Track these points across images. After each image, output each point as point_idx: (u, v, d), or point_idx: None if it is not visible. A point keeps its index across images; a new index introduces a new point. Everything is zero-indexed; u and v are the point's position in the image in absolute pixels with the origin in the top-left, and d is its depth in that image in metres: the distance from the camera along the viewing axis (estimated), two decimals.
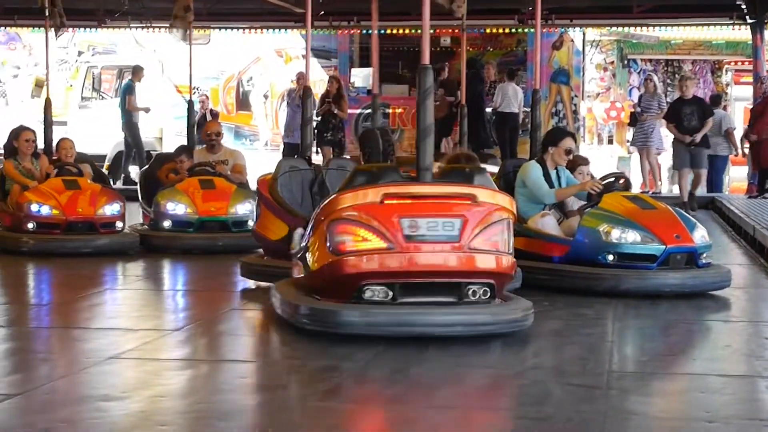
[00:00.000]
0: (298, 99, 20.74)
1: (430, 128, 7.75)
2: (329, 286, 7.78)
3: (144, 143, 22.31)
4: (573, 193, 10.50)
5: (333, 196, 7.98)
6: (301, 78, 21.35)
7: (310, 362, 7.15)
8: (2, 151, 15.39)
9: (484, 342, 7.49)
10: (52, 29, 15.03)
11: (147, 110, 22.01)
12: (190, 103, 16.21)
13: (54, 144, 14.09)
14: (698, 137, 17.61)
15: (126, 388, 6.53)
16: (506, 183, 10.52)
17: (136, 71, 22.28)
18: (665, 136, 20.58)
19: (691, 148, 17.59)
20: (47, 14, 14.87)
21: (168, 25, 17.23)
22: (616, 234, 9.46)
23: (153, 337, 7.98)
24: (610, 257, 9.49)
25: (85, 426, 5.69)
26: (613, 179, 10.40)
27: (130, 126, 21.66)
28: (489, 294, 7.69)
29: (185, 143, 15.31)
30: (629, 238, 9.48)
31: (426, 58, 7.86)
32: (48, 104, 14.57)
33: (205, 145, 14.51)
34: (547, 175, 10.18)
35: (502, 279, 7.83)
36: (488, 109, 22.35)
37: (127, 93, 21.81)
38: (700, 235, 9.60)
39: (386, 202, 7.51)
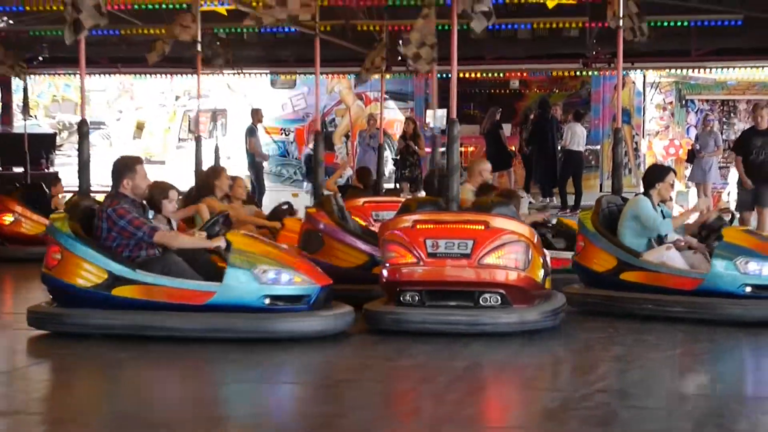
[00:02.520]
0: (368, 139, 21.32)
1: (456, 167, 9.48)
2: (384, 291, 9.38)
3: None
4: (684, 220, 10.50)
5: (383, 222, 9.94)
6: (372, 120, 21.86)
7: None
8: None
9: (552, 365, 8.41)
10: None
11: (266, 158, 22.07)
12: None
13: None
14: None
15: None
16: (604, 219, 10.44)
17: (255, 114, 22.13)
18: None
19: (755, 186, 14.87)
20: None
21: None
22: (753, 266, 9.32)
23: None
24: (748, 288, 9.31)
25: None
26: (718, 215, 10.28)
27: (253, 165, 21.55)
28: (502, 301, 8.82)
29: None
30: (765, 270, 9.34)
31: (453, 113, 9.72)
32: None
33: None
34: (654, 208, 10.18)
35: (515, 290, 8.83)
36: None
37: (248, 135, 21.72)
38: None
39: (417, 227, 9.04)
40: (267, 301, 8.51)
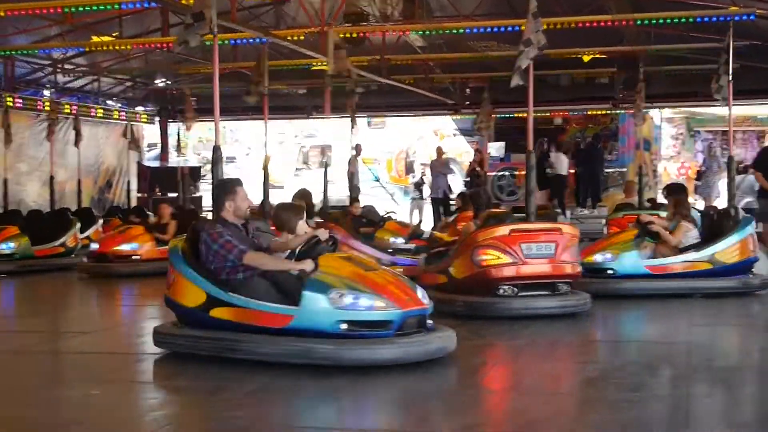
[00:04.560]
0: (439, 167, 21.67)
1: (533, 190, 10.07)
2: (472, 287, 9.47)
3: (339, 202, 22.57)
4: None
5: (472, 233, 9.90)
6: (440, 151, 22.27)
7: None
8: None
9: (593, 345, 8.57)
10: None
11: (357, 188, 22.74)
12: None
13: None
14: None
15: None
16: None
17: (357, 148, 22.23)
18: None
19: None
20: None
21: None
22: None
23: None
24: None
25: None
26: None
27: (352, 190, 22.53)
28: (568, 289, 9.55)
29: None
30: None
31: (530, 145, 10.32)
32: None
33: None
34: None
35: (575, 279, 9.67)
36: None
37: (349, 165, 22.00)
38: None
39: (512, 234, 9.41)
40: (343, 326, 6.94)
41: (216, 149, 8.97)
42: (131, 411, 6.04)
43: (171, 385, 6.88)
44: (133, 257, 14.70)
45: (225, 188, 7.80)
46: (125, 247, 14.76)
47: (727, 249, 10.93)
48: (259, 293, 7.24)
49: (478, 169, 21.88)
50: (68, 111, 21.65)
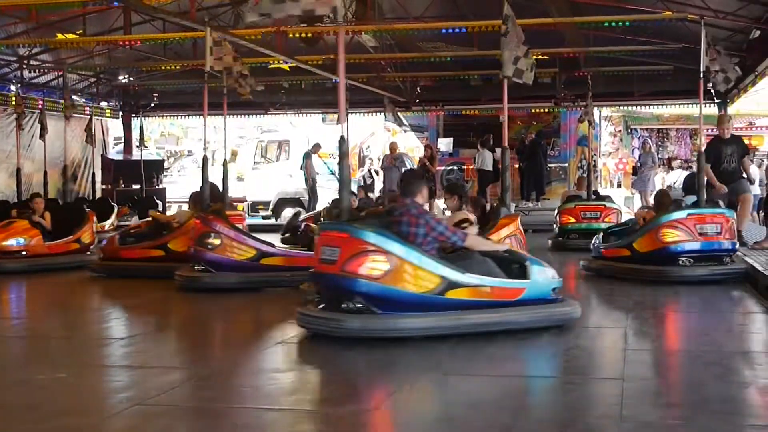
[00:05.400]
0: (392, 161, 22.06)
1: (509, 187, 10.37)
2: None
3: (296, 194, 23.62)
4: None
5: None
6: (394, 146, 22.59)
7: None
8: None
9: None
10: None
11: (314, 180, 22.72)
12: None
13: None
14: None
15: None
16: None
17: (316, 147, 23.14)
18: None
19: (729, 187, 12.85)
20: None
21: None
22: None
23: None
24: None
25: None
26: None
27: (307, 182, 22.69)
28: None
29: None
30: None
31: (505, 141, 10.77)
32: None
33: None
34: None
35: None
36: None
37: (305, 158, 22.79)
38: None
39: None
40: (553, 293, 7.83)
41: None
42: None
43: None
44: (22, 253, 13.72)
45: (420, 176, 8.31)
46: (11, 243, 13.73)
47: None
48: (491, 272, 7.53)
49: (427, 163, 21.86)
50: (35, 106, 21.51)
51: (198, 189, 12.48)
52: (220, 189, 12.75)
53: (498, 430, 4.95)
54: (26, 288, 12.26)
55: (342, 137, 8.03)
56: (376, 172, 24.46)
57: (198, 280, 10.96)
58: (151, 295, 10.97)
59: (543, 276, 7.74)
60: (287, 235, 15.59)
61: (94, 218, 15.18)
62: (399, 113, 19.58)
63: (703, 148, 12.05)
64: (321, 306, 7.50)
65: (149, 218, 13.98)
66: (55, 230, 14.29)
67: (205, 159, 12.58)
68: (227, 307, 9.90)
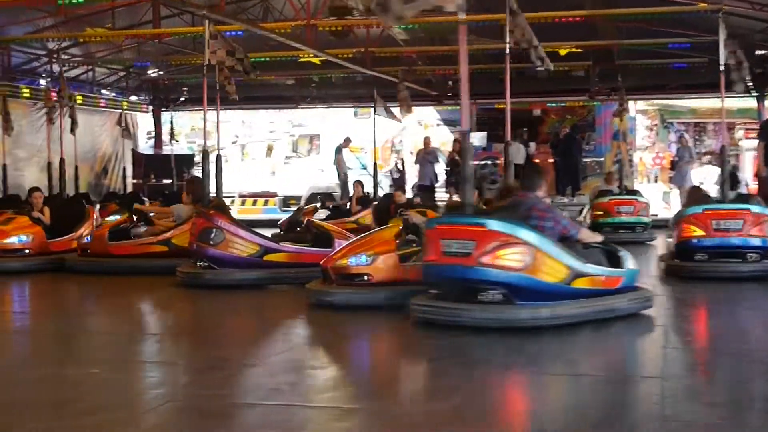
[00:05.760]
0: (426, 156, 22.14)
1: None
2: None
3: (328, 189, 23.31)
4: None
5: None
6: (428, 140, 22.68)
7: None
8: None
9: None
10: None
11: (346, 175, 22.64)
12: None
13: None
14: None
15: None
16: None
17: (347, 141, 23.13)
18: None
19: None
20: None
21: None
22: None
23: None
24: None
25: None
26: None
27: (339, 175, 22.72)
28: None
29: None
30: None
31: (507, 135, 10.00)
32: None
33: None
34: None
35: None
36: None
37: (336, 153, 22.81)
38: None
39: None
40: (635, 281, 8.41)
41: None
42: None
43: None
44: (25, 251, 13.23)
45: (539, 171, 8.69)
46: (13, 240, 13.20)
47: None
48: (601, 262, 8.01)
49: (457, 157, 21.56)
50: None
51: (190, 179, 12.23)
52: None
53: (538, 427, 4.95)
54: (31, 286, 12.02)
55: (464, 133, 8.53)
56: (403, 167, 24.29)
57: (200, 277, 10.90)
58: (159, 293, 10.90)
59: (632, 265, 8.25)
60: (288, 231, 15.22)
61: (95, 214, 14.78)
62: (390, 107, 19.39)
63: (731, 142, 12.48)
64: (441, 297, 7.74)
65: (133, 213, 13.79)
66: (55, 226, 13.79)
67: (204, 153, 12.50)
68: (241, 304, 9.91)
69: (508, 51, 11.52)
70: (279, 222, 16.45)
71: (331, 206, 18.00)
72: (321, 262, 9.61)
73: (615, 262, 8.20)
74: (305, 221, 13.76)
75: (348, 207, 17.68)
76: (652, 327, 7.91)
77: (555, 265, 7.49)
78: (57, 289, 11.94)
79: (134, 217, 13.80)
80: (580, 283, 7.62)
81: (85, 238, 13.32)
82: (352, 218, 16.66)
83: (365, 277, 9.19)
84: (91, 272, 12.41)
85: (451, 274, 7.58)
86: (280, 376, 6.19)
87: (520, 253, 7.38)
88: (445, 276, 7.69)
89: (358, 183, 17.99)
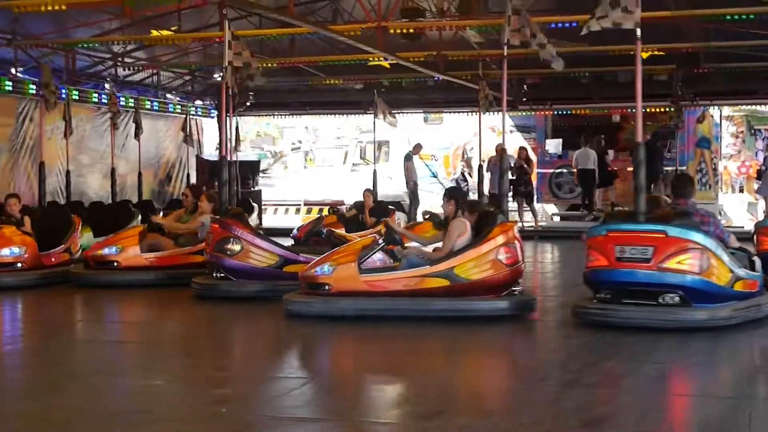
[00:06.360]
0: (492, 163, 21.42)
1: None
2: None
3: (397, 197, 22.73)
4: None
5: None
6: (499, 148, 22.40)
7: None
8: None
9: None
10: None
11: (415, 183, 22.03)
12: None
13: None
14: None
15: None
16: None
17: (417, 147, 22.66)
18: None
19: None
20: None
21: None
22: None
23: None
24: None
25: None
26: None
27: (408, 183, 22.15)
28: None
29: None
30: None
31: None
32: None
33: None
34: None
35: None
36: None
37: (405, 160, 22.33)
38: None
39: None
40: None
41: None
42: None
43: None
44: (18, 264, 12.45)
45: (690, 179, 9.38)
46: (5, 253, 12.36)
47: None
48: (746, 266, 8.59)
49: (525, 165, 21.66)
50: (129, 105, 21.57)
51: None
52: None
53: None
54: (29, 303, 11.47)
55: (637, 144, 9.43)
56: (470, 175, 23.95)
57: (216, 288, 10.78)
58: (181, 307, 10.75)
59: (760, 269, 8.78)
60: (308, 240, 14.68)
61: (80, 225, 14.16)
62: (392, 113, 18.95)
63: None
64: (609, 300, 8.35)
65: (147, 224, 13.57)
66: (38, 239, 12.89)
67: (222, 159, 12.39)
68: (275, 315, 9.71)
69: (505, 53, 11.55)
70: (293, 231, 16.06)
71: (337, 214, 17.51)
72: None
73: (751, 266, 8.81)
74: (326, 231, 13.68)
75: (361, 219, 17.13)
76: None
77: (722, 268, 8.18)
78: (87, 302, 11.69)
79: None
80: (738, 286, 8.33)
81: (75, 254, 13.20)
82: (373, 230, 16.16)
83: (326, 287, 9.35)
84: (97, 285, 12.16)
85: (629, 279, 8.19)
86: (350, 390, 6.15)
87: (697, 257, 8.08)
88: (620, 280, 8.25)
89: (368, 192, 17.48)
